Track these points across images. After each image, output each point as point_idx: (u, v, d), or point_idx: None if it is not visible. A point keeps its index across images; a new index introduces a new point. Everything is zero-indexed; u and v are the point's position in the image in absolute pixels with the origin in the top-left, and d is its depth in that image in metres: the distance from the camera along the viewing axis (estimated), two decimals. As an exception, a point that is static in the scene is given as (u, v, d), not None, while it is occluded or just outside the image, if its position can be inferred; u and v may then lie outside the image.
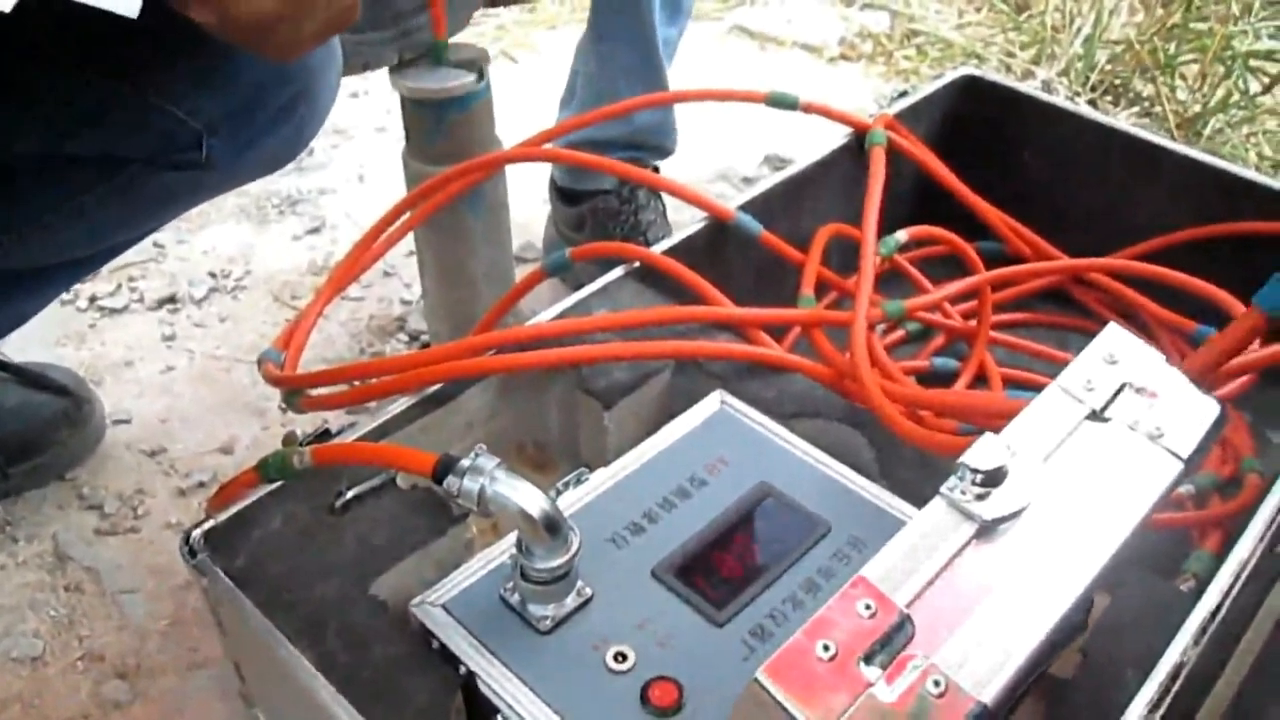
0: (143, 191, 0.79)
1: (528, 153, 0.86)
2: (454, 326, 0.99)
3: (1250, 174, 0.95)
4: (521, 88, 1.64)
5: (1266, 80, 1.61)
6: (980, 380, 0.94)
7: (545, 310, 0.76)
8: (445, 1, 0.83)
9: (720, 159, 1.50)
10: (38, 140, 0.72)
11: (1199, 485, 0.78)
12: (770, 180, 0.93)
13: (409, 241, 0.99)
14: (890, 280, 0.98)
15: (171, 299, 1.25)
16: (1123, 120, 1.58)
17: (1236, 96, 1.61)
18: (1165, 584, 0.60)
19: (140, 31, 0.48)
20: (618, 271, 0.80)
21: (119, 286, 1.26)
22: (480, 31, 1.78)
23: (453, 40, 0.91)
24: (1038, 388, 0.52)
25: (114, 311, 1.23)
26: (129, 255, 0.96)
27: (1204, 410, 0.48)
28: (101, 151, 0.74)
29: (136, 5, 0.48)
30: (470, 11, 0.97)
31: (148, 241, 1.17)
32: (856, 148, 0.97)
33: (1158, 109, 1.65)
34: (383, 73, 0.92)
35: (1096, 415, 0.48)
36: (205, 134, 0.73)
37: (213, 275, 1.29)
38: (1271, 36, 1.72)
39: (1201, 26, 1.69)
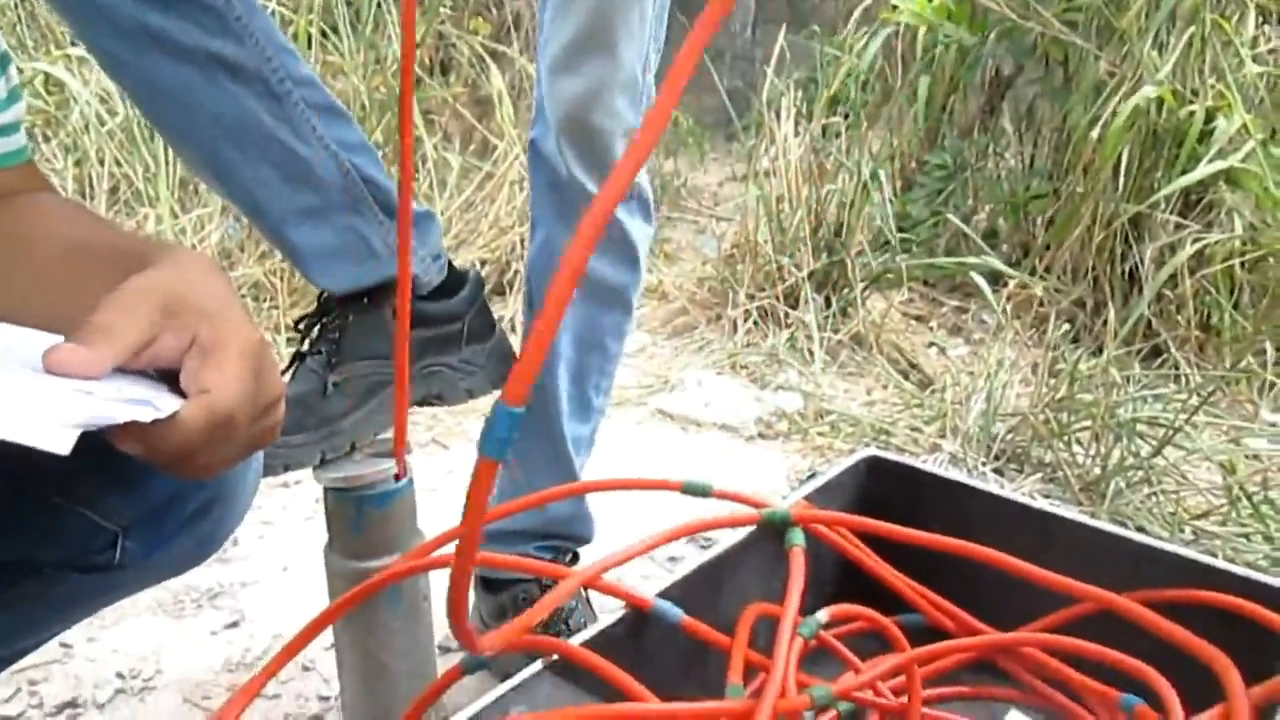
0: (53, 594, 0.77)
1: (442, 560, 0.87)
2: (372, 726, 0.95)
3: (1144, 539, 0.98)
4: (452, 474, 1.68)
5: (1155, 443, 1.72)
6: (918, 762, 0.91)
7: (464, 709, 0.74)
8: (396, 393, 0.86)
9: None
10: (-51, 549, 0.72)
11: None
12: (689, 564, 0.94)
13: (329, 633, 0.97)
14: (821, 659, 0.97)
15: (73, 703, 1.19)
16: (1024, 489, 1.66)
17: (1130, 460, 1.71)
18: None
19: None
20: (536, 666, 0.79)
21: (17, 690, 1.20)
22: (413, 421, 1.84)
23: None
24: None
25: (7, 720, 1.16)
26: (32, 656, 0.93)
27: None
28: (13, 557, 0.73)
29: (69, 444, 0.46)
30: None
31: (55, 641, 1.13)
32: (773, 529, 1.00)
33: (1060, 474, 1.73)
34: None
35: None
36: (120, 536, 0.73)
37: (120, 675, 1.23)
38: (1156, 399, 1.86)
39: (1087, 397, 1.82)
